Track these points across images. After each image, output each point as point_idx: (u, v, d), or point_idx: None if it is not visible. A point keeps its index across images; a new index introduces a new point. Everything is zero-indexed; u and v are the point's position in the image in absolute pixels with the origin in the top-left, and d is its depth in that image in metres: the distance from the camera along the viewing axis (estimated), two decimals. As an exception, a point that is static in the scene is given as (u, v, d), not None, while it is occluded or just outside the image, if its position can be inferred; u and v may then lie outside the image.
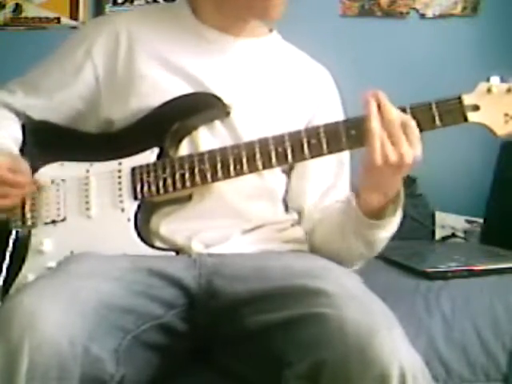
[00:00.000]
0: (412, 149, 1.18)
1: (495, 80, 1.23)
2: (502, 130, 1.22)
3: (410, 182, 2.31)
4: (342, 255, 1.33)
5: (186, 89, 1.35)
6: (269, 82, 1.41)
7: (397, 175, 1.21)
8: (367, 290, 1.16)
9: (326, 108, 1.45)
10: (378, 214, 1.26)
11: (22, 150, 1.41)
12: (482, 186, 2.17)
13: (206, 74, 1.36)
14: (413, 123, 1.18)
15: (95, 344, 1.04)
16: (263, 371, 1.14)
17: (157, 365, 1.18)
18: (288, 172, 1.42)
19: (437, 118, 1.21)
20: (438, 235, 2.31)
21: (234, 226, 1.33)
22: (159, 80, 1.36)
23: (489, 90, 1.22)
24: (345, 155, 1.42)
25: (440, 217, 2.31)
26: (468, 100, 1.22)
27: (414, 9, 2.51)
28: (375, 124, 1.18)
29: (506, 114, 1.22)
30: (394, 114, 1.19)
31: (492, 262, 1.70)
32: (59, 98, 1.42)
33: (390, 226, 1.28)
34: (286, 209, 1.44)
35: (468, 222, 2.27)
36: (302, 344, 1.07)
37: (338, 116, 1.45)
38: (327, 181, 1.43)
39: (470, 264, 1.66)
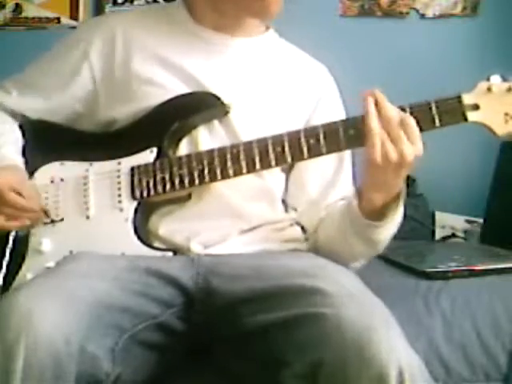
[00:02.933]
0: (412, 147, 1.17)
1: (495, 79, 1.22)
2: (502, 129, 1.21)
3: (410, 182, 2.31)
4: (343, 255, 1.33)
5: (184, 89, 1.35)
6: (267, 80, 1.41)
7: (398, 174, 1.20)
8: (365, 289, 1.16)
9: (325, 105, 1.44)
10: (380, 213, 1.25)
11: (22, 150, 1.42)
12: (482, 186, 2.17)
13: (203, 74, 1.36)
14: (412, 121, 1.18)
15: (91, 343, 1.04)
16: (261, 371, 1.14)
17: (154, 364, 1.18)
18: (288, 170, 1.42)
19: (436, 118, 1.21)
20: (438, 235, 2.31)
21: (233, 227, 1.33)
22: (157, 80, 1.36)
23: (489, 89, 1.21)
24: (345, 152, 1.40)
25: (440, 217, 2.30)
26: (468, 99, 1.21)
27: (413, 9, 2.51)
28: (374, 122, 1.18)
29: (506, 114, 1.21)
30: (393, 112, 1.19)
31: (492, 262, 1.70)
32: (56, 100, 1.42)
33: (392, 225, 1.27)
34: (286, 208, 1.43)
35: (468, 221, 2.26)
36: (300, 343, 1.07)
37: (338, 112, 1.46)
38: (327, 175, 1.42)
39: (470, 264, 1.66)
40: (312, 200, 1.41)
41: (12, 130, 1.43)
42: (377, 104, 1.19)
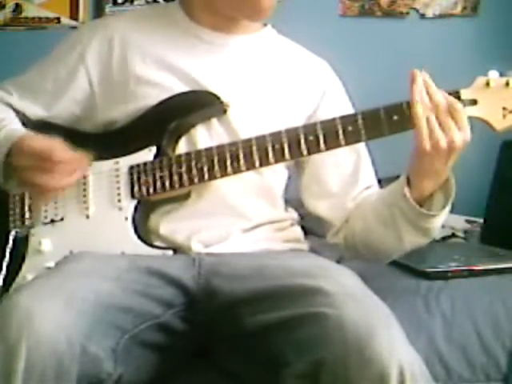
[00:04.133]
0: (461, 133, 1.17)
1: (494, 74, 1.22)
2: (500, 124, 1.21)
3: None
4: (389, 242, 1.33)
5: (182, 88, 1.35)
6: (265, 78, 1.41)
7: (448, 160, 1.20)
8: (366, 288, 1.16)
9: (331, 99, 1.44)
10: (429, 200, 1.25)
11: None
12: (482, 186, 2.16)
13: (201, 73, 1.36)
14: (460, 106, 1.17)
15: (93, 343, 1.04)
16: (262, 371, 1.14)
17: (155, 364, 1.18)
18: (296, 167, 1.42)
19: None
20: (438, 235, 2.30)
21: (234, 225, 1.33)
22: (155, 80, 1.36)
23: (487, 84, 1.21)
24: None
25: (440, 217, 2.30)
26: (466, 94, 1.21)
27: (413, 9, 2.51)
28: (420, 110, 1.17)
29: (505, 108, 1.20)
30: (440, 96, 1.18)
31: (492, 262, 1.70)
32: (56, 107, 1.42)
33: (445, 213, 1.26)
34: (286, 207, 1.44)
35: (468, 221, 2.26)
36: (301, 343, 1.07)
37: (345, 105, 1.46)
38: (347, 168, 1.41)
39: (470, 264, 1.66)
40: (335, 194, 1.41)
41: (15, 118, 1.43)
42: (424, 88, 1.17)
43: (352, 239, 1.38)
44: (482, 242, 2.11)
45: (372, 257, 1.40)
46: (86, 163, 1.31)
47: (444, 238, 2.16)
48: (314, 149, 1.26)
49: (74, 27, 2.50)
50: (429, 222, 1.27)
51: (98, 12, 2.54)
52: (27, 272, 1.31)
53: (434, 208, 1.25)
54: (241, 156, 1.27)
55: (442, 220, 1.28)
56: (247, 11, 1.35)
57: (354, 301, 1.08)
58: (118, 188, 1.33)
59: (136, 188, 1.31)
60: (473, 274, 1.62)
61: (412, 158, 1.23)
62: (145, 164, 1.32)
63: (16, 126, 1.38)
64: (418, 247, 1.35)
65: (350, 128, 1.24)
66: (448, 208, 1.26)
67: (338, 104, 1.44)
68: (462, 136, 1.17)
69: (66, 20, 2.54)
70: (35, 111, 1.43)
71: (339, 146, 1.26)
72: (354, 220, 1.38)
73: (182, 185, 1.29)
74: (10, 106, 1.44)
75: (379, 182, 1.46)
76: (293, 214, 1.43)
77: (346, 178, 1.41)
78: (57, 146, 1.26)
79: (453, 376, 1.41)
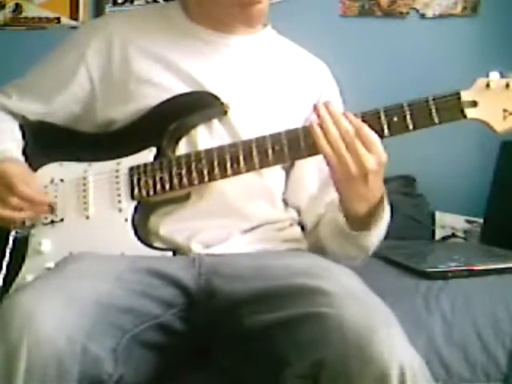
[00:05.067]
0: (372, 155, 1.17)
1: (494, 75, 1.21)
2: (500, 126, 1.21)
3: (409, 181, 2.31)
4: (339, 255, 1.34)
5: (182, 89, 1.35)
6: (265, 78, 1.41)
7: (367, 183, 1.20)
8: (367, 288, 1.16)
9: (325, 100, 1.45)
10: (367, 220, 1.26)
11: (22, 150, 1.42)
12: (482, 186, 2.17)
13: (201, 74, 1.36)
14: (367, 130, 1.18)
15: (93, 343, 1.04)
16: (263, 371, 1.14)
17: (156, 364, 1.18)
18: (288, 169, 1.42)
19: (435, 115, 1.21)
20: (438, 235, 2.31)
21: (233, 226, 1.33)
22: (156, 80, 1.36)
23: (487, 86, 1.21)
24: None
25: (440, 217, 2.31)
26: (466, 96, 1.21)
27: (414, 9, 2.51)
28: (326, 146, 1.19)
29: (505, 110, 1.20)
30: (346, 124, 1.18)
31: (492, 262, 1.70)
32: (55, 103, 1.42)
33: (381, 229, 1.28)
34: (286, 207, 1.44)
35: (468, 221, 2.27)
36: (302, 343, 1.06)
37: (338, 109, 1.46)
38: (326, 171, 1.42)
39: (470, 264, 1.66)
40: (312, 196, 1.42)
41: (12, 129, 1.44)
42: (324, 123, 1.18)
43: (319, 242, 1.39)
44: (482, 241, 2.12)
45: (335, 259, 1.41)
46: (41, 209, 1.33)
47: (444, 238, 2.17)
48: (313, 150, 1.26)
49: (74, 27, 2.50)
50: (365, 241, 1.29)
51: (98, 12, 2.54)
52: (27, 272, 1.32)
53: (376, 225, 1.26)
54: (241, 157, 1.27)
55: (381, 235, 1.30)
56: (240, 18, 1.36)
57: (354, 300, 1.08)
58: (118, 189, 1.33)
59: (136, 189, 1.31)
60: (473, 273, 1.62)
61: (335, 188, 1.25)
62: (145, 165, 1.32)
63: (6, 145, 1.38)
64: (364, 259, 1.37)
65: None
66: (383, 225, 1.27)
67: None
68: (374, 159, 1.17)
69: (65, 20, 2.55)
70: (34, 108, 1.43)
71: None
72: (320, 227, 1.39)
73: (181, 186, 1.29)
74: (9, 109, 1.45)
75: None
76: (292, 214, 1.43)
77: (324, 184, 1.41)
78: (23, 180, 1.29)
79: (453, 376, 1.41)
